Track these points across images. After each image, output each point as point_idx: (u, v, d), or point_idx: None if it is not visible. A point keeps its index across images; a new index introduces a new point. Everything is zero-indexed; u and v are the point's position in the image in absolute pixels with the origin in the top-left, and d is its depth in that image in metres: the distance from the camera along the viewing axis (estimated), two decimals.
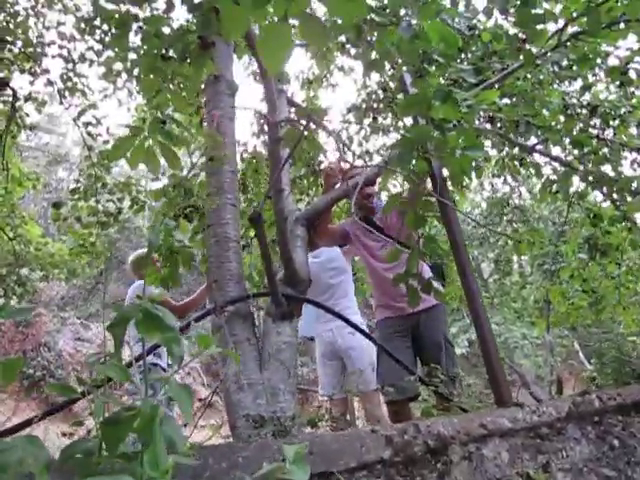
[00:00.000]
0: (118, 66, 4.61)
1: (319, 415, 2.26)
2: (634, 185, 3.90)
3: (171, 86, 3.05)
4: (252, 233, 4.24)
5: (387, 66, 4.67)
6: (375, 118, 5.17)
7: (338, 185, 3.73)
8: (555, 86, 4.16)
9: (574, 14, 2.80)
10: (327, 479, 1.49)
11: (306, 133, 3.12)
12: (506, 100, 4.15)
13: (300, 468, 0.77)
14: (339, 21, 2.28)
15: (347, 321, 3.15)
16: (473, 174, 3.03)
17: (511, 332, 10.80)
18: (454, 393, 2.92)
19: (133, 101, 5.32)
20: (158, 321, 0.80)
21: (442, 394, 2.72)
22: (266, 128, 3.39)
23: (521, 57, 2.94)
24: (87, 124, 4.63)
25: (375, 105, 5.54)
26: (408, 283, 2.73)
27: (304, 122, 2.85)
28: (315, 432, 2.53)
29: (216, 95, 3.52)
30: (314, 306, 3.21)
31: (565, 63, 3.95)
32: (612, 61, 3.87)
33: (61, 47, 4.51)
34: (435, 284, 2.84)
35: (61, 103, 4.42)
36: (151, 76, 2.95)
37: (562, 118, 4.09)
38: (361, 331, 3.23)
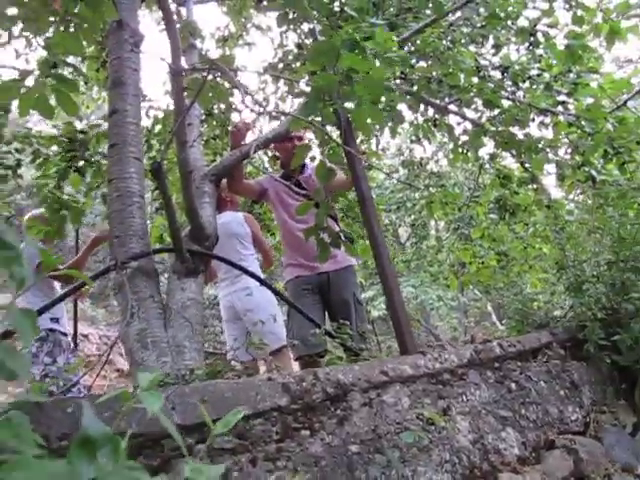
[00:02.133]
0: (13, 11, 4.28)
1: (221, 368, 2.20)
2: (540, 145, 4.00)
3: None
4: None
5: (303, 25, 4.59)
6: (290, 75, 5.06)
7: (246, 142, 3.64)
8: (468, 48, 4.19)
9: None
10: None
11: (213, 83, 3.02)
12: (422, 63, 4.16)
13: (153, 395, 0.71)
14: None
15: (251, 274, 3.10)
16: (387, 133, 3.01)
17: (427, 294, 11.08)
18: (363, 348, 2.94)
19: (33, 52, 5.00)
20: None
21: (350, 348, 2.71)
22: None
23: (430, 10, 2.90)
24: None
25: (291, 64, 5.44)
26: (318, 237, 2.70)
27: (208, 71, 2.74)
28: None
29: (119, 44, 3.32)
30: (220, 261, 3.13)
31: (478, 24, 3.98)
32: (522, 22, 3.93)
33: None
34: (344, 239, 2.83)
35: None
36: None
37: (475, 79, 4.13)
38: (265, 284, 3.19)
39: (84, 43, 3.15)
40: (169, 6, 3.09)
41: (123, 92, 3.10)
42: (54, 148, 3.51)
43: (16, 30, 4.26)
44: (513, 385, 2.47)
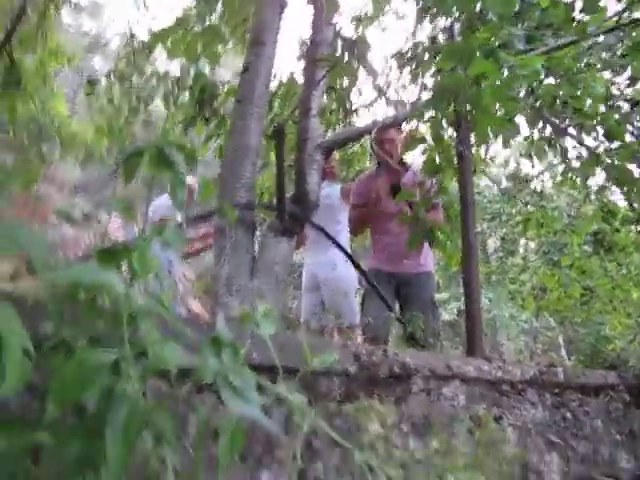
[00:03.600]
0: None
1: (297, 326, 2.35)
2: None
3: None
4: (272, 155, 4.27)
5: (441, 19, 4.61)
6: (417, 67, 5.09)
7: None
8: (602, 74, 4.10)
9: None
10: (293, 374, 1.57)
11: (346, 63, 3.13)
12: (550, 80, 4.10)
13: (268, 322, 0.84)
14: None
15: (341, 248, 3.21)
16: (499, 140, 3.04)
17: (501, 311, 10.90)
18: (430, 343, 3.01)
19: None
20: (170, 163, 0.86)
21: (417, 340, 2.80)
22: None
23: (573, 29, 2.88)
24: (133, 8, 4.59)
25: (421, 56, 5.46)
26: (412, 226, 2.79)
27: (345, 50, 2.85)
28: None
29: (266, 6, 3.49)
30: (316, 229, 3.26)
31: (619, 52, 3.88)
32: None
33: None
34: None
35: None
36: None
37: (602, 107, 4.04)
38: (352, 260, 3.31)
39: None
40: None
41: (260, 52, 3.27)
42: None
43: None
44: (569, 414, 2.49)
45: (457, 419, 1.88)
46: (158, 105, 4.06)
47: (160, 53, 3.51)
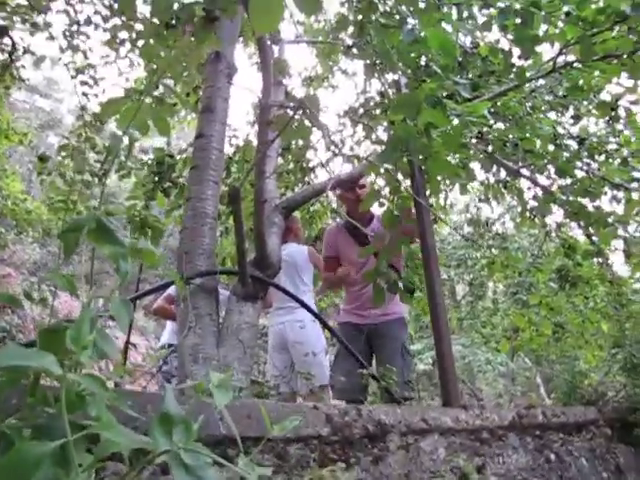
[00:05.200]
0: (123, 35, 4.62)
1: (267, 392, 2.27)
2: (610, 220, 3.98)
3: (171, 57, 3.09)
4: (231, 219, 4.26)
5: (388, 74, 4.74)
6: (369, 121, 5.20)
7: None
8: (547, 115, 4.24)
9: (570, 41, 2.85)
10: (261, 444, 1.51)
11: (298, 122, 3.15)
12: (500, 125, 4.22)
13: (223, 392, 0.79)
14: None
15: (308, 308, 3.16)
16: (456, 188, 3.08)
17: (476, 356, 10.88)
18: (406, 397, 2.95)
19: (134, 71, 5.34)
20: (110, 234, 0.82)
21: (392, 395, 2.74)
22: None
23: (513, 75, 2.98)
24: (84, 83, 4.62)
25: (372, 111, 5.59)
26: (376, 282, 2.77)
27: (296, 110, 2.88)
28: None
29: (214, 73, 3.53)
30: (281, 291, 3.22)
31: (560, 93, 4.03)
32: (604, 96, 3.95)
33: (67, 3, 4.50)
34: (401, 285, 2.88)
35: (59, 59, 4.40)
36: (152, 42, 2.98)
37: (551, 147, 4.16)
38: (320, 319, 3.26)
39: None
40: (267, 45, 3.29)
41: (211, 119, 3.29)
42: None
43: (122, 51, 4.61)
44: (552, 456, 2.44)
45: (437, 475, 1.82)
46: (115, 180, 4.06)
47: (113, 126, 3.52)
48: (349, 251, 3.96)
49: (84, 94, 4.56)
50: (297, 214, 4.97)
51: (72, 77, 4.45)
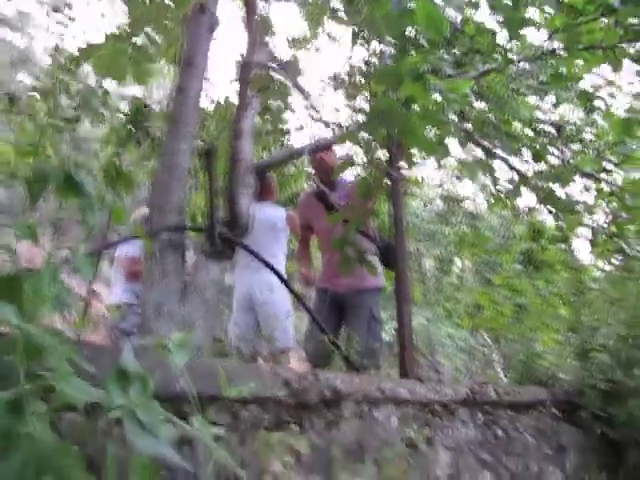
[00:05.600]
0: None
1: (227, 352, 2.29)
2: (577, 208, 4.04)
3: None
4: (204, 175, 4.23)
5: (374, 42, 4.70)
6: (352, 89, 5.16)
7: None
8: (528, 99, 4.25)
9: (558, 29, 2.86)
10: (217, 402, 1.53)
11: (278, 83, 3.13)
12: (481, 104, 4.23)
13: (181, 351, 0.80)
14: None
15: (275, 271, 3.16)
16: (432, 162, 3.09)
17: (438, 330, 11.05)
18: (365, 364, 3.00)
19: (115, 17, 5.19)
20: (78, 186, 0.81)
21: (352, 362, 2.78)
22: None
23: (498, 56, 2.98)
24: (59, 23, 4.46)
25: (355, 78, 5.54)
26: (343, 251, 2.79)
27: (277, 71, 2.85)
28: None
29: (196, 27, 3.45)
30: (248, 252, 3.21)
31: (542, 79, 4.04)
32: (584, 85, 3.98)
33: None
34: (371, 259, 2.91)
35: None
36: None
37: (528, 131, 4.19)
38: (288, 285, 3.27)
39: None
40: (254, 3, 3.22)
41: (191, 73, 3.22)
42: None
43: None
44: (500, 432, 2.52)
45: (390, 448, 1.87)
46: (87, 126, 3.98)
47: (90, 70, 3.43)
48: (319, 217, 3.97)
49: (59, 34, 4.43)
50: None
51: (48, 15, 4.30)
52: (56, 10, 4.39)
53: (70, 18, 4.48)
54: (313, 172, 3.81)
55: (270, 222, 4.28)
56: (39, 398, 0.76)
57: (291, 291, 3.31)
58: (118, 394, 0.67)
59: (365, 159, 2.83)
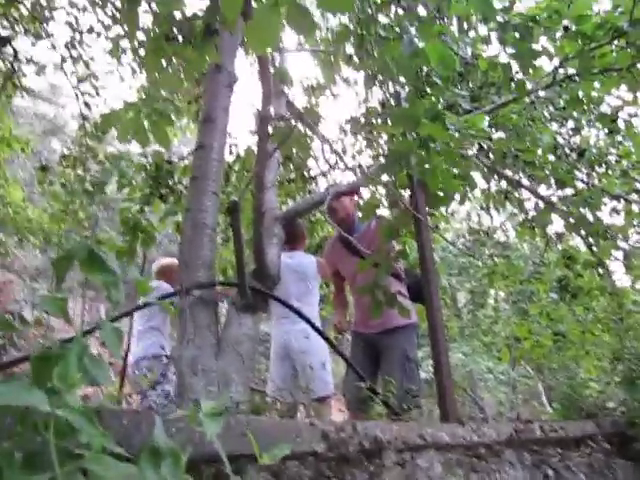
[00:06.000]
0: (125, 44, 4.64)
1: (266, 405, 2.27)
2: (609, 231, 3.98)
3: (171, 69, 3.10)
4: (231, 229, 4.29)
5: (389, 84, 4.75)
6: (371, 132, 5.22)
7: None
8: (547, 125, 4.25)
9: (569, 55, 2.87)
10: (256, 462, 1.50)
11: (298, 134, 3.17)
12: (500, 134, 4.23)
13: (213, 421, 0.80)
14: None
15: (308, 321, 3.16)
16: (456, 197, 3.08)
17: (477, 364, 10.85)
18: (404, 408, 2.95)
19: (135, 80, 5.37)
20: (101, 263, 0.83)
21: (391, 407, 2.73)
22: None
23: (513, 87, 2.99)
24: (85, 93, 4.64)
25: (373, 120, 5.60)
26: (373, 295, 2.78)
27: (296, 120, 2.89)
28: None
29: (215, 84, 3.55)
30: (280, 303, 3.22)
31: (560, 105, 4.05)
32: (604, 108, 3.97)
33: (69, 14, 4.53)
34: (401, 299, 2.89)
35: (62, 68, 4.42)
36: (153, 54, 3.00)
37: (551, 157, 4.17)
38: (319, 331, 3.25)
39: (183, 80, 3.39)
40: (266, 56, 3.30)
41: (212, 129, 3.30)
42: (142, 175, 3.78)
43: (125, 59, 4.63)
44: (550, 472, 2.43)
45: None
46: (114, 189, 4.08)
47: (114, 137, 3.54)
48: (344, 261, 3.98)
49: (85, 103, 4.58)
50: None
51: (73, 87, 4.47)
52: (81, 80, 4.56)
53: (95, 87, 4.66)
54: (330, 218, 3.83)
55: (302, 270, 4.32)
56: (77, 477, 0.76)
57: (323, 337, 3.29)
58: (151, 472, 0.67)
59: (388, 202, 2.84)
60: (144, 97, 2.77)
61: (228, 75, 3.56)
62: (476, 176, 4.81)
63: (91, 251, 0.82)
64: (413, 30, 3.08)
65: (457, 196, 4.24)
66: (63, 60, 4.44)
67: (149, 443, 0.70)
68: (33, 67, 4.57)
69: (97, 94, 4.67)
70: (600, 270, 4.82)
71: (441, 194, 2.54)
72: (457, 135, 2.64)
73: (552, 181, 4.26)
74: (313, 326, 3.24)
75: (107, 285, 0.84)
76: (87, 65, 4.73)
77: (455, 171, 3.36)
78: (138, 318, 4.67)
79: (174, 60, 3.05)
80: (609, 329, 4.97)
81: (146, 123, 2.68)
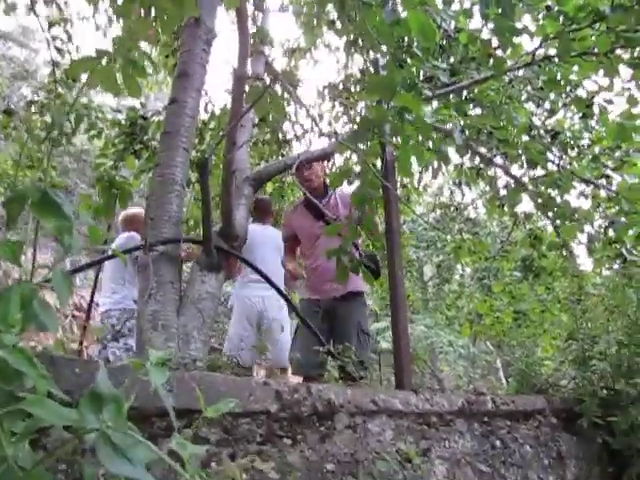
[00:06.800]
0: None
1: (223, 362, 2.28)
2: (576, 215, 4.03)
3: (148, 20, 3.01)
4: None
5: (369, 51, 4.71)
6: (348, 98, 5.18)
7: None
8: (524, 105, 4.26)
9: (550, 36, 2.86)
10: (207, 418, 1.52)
11: (274, 95, 3.12)
12: (477, 111, 4.23)
13: (159, 371, 0.80)
14: None
15: (277, 288, 3.16)
16: (430, 172, 3.09)
17: (439, 337, 11.05)
18: (362, 376, 2.99)
19: (111, 29, 5.22)
20: (55, 207, 0.81)
21: (348, 372, 2.77)
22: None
23: (491, 63, 2.99)
24: (56, 38, 4.48)
25: (352, 87, 5.56)
26: (339, 260, 2.79)
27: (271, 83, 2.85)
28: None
29: (192, 39, 3.46)
30: (246, 265, 3.21)
31: (538, 85, 4.05)
32: (580, 92, 3.99)
33: None
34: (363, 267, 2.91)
35: (32, 9, 4.25)
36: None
37: (525, 137, 4.19)
38: (287, 298, 3.27)
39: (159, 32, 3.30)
40: (245, 12, 3.22)
41: (187, 84, 3.23)
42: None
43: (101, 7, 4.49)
44: (498, 442, 2.50)
45: (383, 461, 1.85)
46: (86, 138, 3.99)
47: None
48: (307, 226, 3.97)
49: (57, 49, 4.43)
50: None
51: (44, 31, 4.31)
52: (52, 25, 4.40)
53: (68, 33, 4.51)
54: (300, 183, 3.81)
55: (276, 243, 4.34)
56: (21, 419, 0.76)
57: (290, 305, 3.31)
58: (91, 416, 0.66)
59: (359, 170, 2.83)
60: (117, 46, 2.67)
61: (207, 30, 3.48)
62: (450, 151, 4.84)
63: (44, 193, 0.80)
64: None
65: (430, 169, 4.26)
66: (33, 2, 4.27)
67: (90, 388, 0.69)
68: (2, 4, 4.38)
69: (69, 40, 4.52)
70: (564, 252, 4.90)
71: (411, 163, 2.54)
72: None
73: (524, 160, 4.29)
74: (281, 293, 3.24)
75: (60, 230, 0.83)
76: (60, 8, 4.57)
77: (430, 145, 3.37)
78: (110, 269, 4.60)
79: (152, 10, 2.97)
80: (567, 309, 5.09)
81: (119, 74, 2.60)
